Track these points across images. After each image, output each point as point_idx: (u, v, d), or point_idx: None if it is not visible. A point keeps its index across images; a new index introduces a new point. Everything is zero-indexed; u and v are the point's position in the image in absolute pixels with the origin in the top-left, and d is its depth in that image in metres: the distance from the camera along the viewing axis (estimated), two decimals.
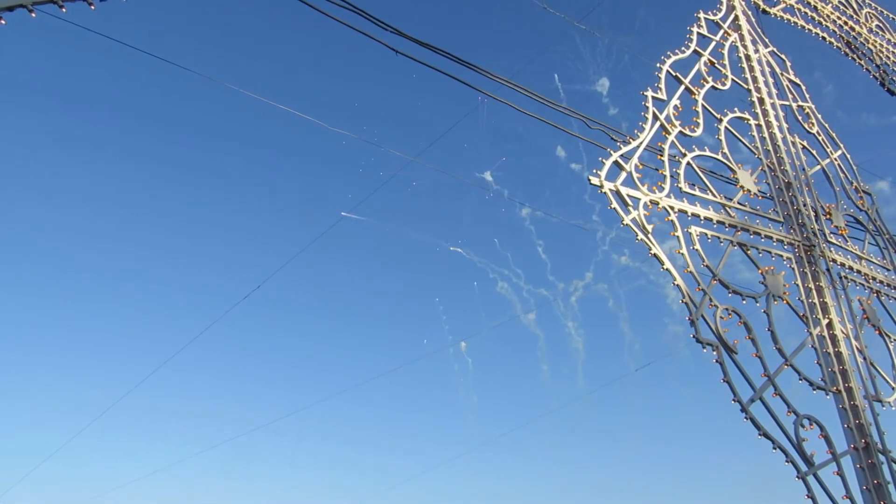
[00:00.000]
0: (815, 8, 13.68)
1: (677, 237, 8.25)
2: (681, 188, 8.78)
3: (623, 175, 8.33)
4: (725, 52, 10.73)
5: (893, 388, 9.04)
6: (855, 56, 14.12)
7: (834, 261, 9.60)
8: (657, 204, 8.43)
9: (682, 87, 9.73)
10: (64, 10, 5.78)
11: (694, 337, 7.65)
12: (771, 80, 11.11)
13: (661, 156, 8.92)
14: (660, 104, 9.32)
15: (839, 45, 13.97)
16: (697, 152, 9.27)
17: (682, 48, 10.17)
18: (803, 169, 10.37)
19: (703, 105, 9.75)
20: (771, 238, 9.19)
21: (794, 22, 13.07)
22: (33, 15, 5.63)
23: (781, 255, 9.15)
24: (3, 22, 5.45)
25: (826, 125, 11.57)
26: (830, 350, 8.53)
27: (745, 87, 10.74)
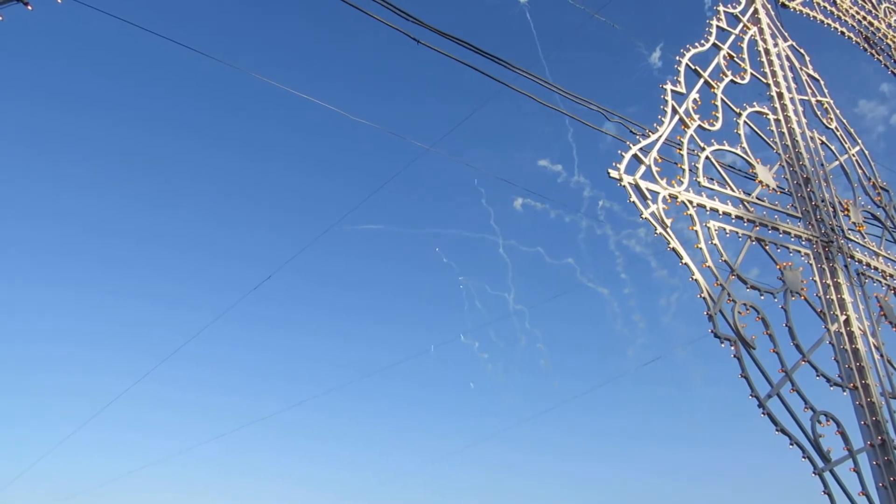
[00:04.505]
0: (834, 2, 13.56)
1: (696, 231, 8.22)
2: (699, 182, 8.74)
3: (642, 168, 8.30)
4: (745, 45, 10.65)
5: None
6: (873, 51, 14.00)
7: (852, 257, 9.55)
8: (676, 198, 8.40)
9: (702, 81, 9.66)
10: (59, 0, 5.61)
11: (712, 332, 7.63)
12: (790, 75, 11.03)
13: (680, 150, 8.88)
14: (679, 98, 9.27)
15: (857, 39, 13.85)
16: (716, 146, 9.22)
17: (702, 41, 10.10)
18: (822, 164, 10.31)
19: (722, 99, 9.69)
20: (789, 233, 9.15)
21: (813, 16, 12.96)
22: (29, 8, 5.47)
23: (799, 251, 9.11)
24: (1, 18, 5.37)
25: (844, 120, 11.50)
26: (847, 346, 8.50)
27: (765, 81, 10.66)
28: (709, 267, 8.02)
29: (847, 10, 13.82)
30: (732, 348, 7.66)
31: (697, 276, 7.89)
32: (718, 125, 9.43)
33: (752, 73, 10.44)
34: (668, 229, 8.00)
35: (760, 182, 9.33)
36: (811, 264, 9.10)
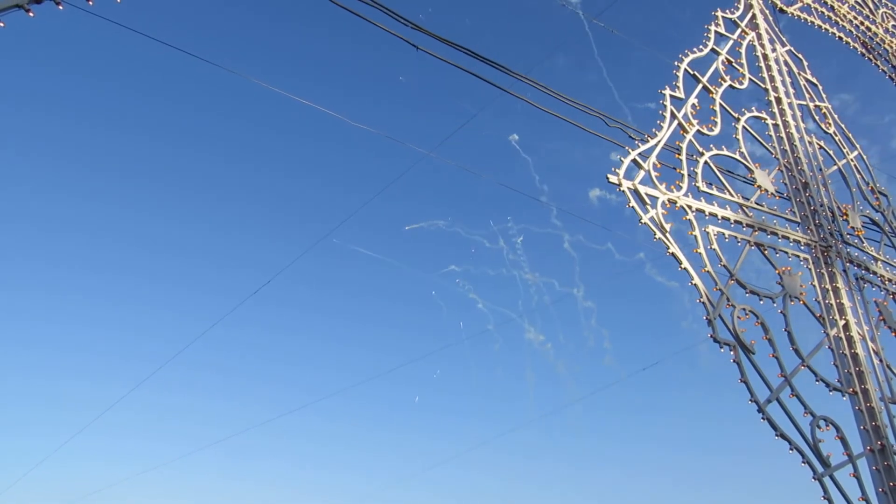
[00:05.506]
0: (832, 7, 13.60)
1: (695, 236, 8.22)
2: (698, 187, 8.75)
3: (641, 173, 8.31)
4: (743, 50, 10.68)
5: None
6: (871, 56, 14.03)
7: (850, 262, 9.56)
8: (675, 203, 8.41)
9: (700, 86, 9.68)
10: (60, 7, 5.63)
11: (711, 336, 7.63)
12: (788, 80, 11.06)
13: (679, 154, 8.89)
14: (677, 103, 9.29)
15: (855, 44, 13.89)
16: (715, 151, 9.23)
17: (700, 46, 10.12)
18: (820, 169, 10.32)
19: (720, 104, 9.71)
20: (788, 238, 9.16)
21: (811, 21, 13.00)
22: (31, 14, 5.47)
23: (798, 256, 9.11)
24: (1, 25, 5.36)
25: (842, 125, 11.52)
26: (847, 351, 8.50)
27: (763, 86, 10.68)
28: (708, 272, 8.02)
29: (845, 16, 13.86)
30: (732, 353, 7.66)
31: (696, 280, 7.90)
32: (717, 130, 9.45)
33: (750, 78, 10.46)
34: (668, 234, 8.01)
35: (759, 187, 9.35)
36: (810, 269, 9.11)
